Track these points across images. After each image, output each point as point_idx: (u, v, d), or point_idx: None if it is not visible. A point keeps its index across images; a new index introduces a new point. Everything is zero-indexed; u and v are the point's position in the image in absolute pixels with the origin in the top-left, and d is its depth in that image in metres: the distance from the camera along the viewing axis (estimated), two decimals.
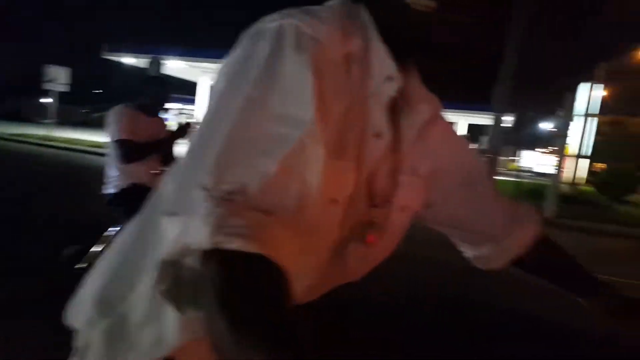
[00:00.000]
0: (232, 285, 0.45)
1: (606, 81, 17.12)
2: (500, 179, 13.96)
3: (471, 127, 25.87)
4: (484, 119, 21.15)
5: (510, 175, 19.29)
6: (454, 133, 0.86)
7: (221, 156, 0.52)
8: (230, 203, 0.48)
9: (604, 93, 17.95)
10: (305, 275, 0.64)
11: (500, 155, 15.16)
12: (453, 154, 0.84)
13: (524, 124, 29.38)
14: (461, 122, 23.87)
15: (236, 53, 0.61)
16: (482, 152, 21.01)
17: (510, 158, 28.08)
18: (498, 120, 11.90)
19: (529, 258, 0.87)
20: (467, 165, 0.86)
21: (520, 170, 22.70)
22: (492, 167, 11.82)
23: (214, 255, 0.46)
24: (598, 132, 19.91)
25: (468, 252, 0.93)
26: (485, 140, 19.72)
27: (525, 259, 0.88)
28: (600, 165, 24.04)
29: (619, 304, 0.83)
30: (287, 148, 0.53)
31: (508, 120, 20.16)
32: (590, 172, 20.16)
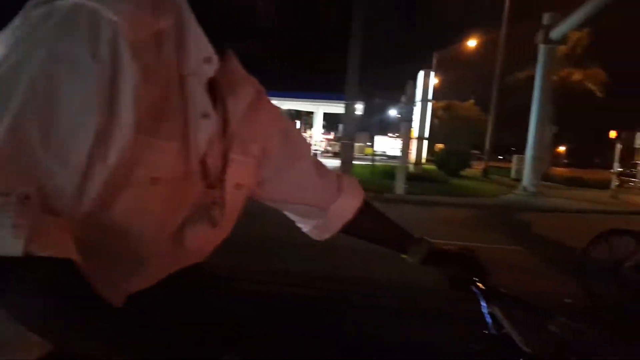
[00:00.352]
0: (41, 289, 0.50)
1: (438, 69, 19.32)
2: (357, 164, 14.80)
3: (327, 116, 27.03)
4: (339, 108, 22.26)
5: (366, 160, 20.67)
6: (278, 113, 0.90)
7: (9, 156, 0.50)
8: (27, 207, 0.49)
9: (436, 80, 20.25)
10: (137, 260, 0.67)
11: (355, 142, 16.04)
12: (279, 132, 0.88)
13: (375, 111, 31.78)
14: (319, 111, 24.77)
15: (18, 30, 0.55)
16: (339, 139, 22.17)
17: (366, 144, 30.08)
18: (350, 109, 12.51)
19: (356, 224, 0.97)
20: (292, 142, 0.90)
21: (375, 154, 24.50)
22: (349, 152, 12.45)
23: (21, 262, 0.48)
24: (435, 116, 22.46)
25: (303, 226, 1.00)
26: (341, 127, 20.73)
27: (352, 225, 0.97)
28: (440, 146, 27.18)
29: (429, 254, 0.98)
30: (86, 137, 0.53)
31: (361, 108, 21.49)
32: (431, 152, 22.66)
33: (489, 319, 0.82)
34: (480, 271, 0.94)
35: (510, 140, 26.30)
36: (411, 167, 15.44)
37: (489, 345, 0.78)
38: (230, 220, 0.79)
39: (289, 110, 27.03)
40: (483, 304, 0.85)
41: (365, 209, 0.99)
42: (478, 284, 0.89)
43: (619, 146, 18.23)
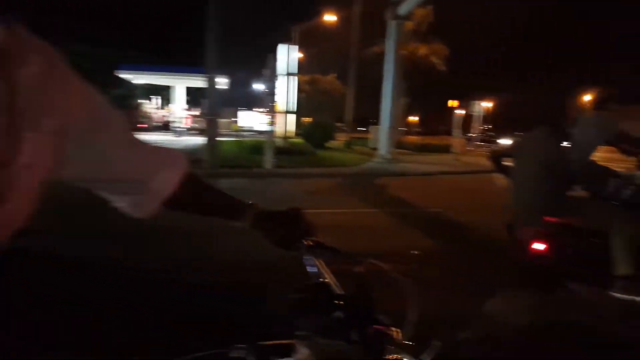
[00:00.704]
0: None
1: (301, 44, 19.58)
2: (224, 140, 14.44)
3: (190, 90, 25.61)
4: (204, 83, 21.23)
5: (235, 136, 20.29)
6: (80, 84, 0.81)
7: None
8: None
9: (300, 54, 20.55)
10: None
11: (220, 117, 15.58)
12: (81, 105, 0.79)
13: (241, 85, 31.12)
14: (178, 86, 23.30)
15: None
16: (203, 114, 21.32)
17: (232, 119, 29.42)
18: (212, 83, 12.04)
19: (181, 197, 0.93)
20: (98, 115, 0.82)
21: (242, 130, 24.15)
22: (214, 128, 12.03)
23: None
24: (300, 90, 22.80)
25: (120, 203, 0.94)
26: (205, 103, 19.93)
27: (177, 198, 0.93)
28: (307, 119, 27.83)
29: (259, 217, 0.99)
30: None
31: (225, 82, 20.84)
32: (298, 125, 23.11)
33: (313, 270, 0.90)
34: (306, 228, 0.99)
35: (369, 112, 28.05)
36: (279, 141, 15.59)
37: (309, 293, 0.83)
38: (22, 204, 0.71)
39: (145, 85, 24.99)
40: (308, 257, 0.92)
41: (190, 180, 0.96)
42: (304, 240, 0.95)
43: (458, 114, 20.68)
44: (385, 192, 9.67)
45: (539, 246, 3.17)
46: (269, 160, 11.66)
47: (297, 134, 21.06)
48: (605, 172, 4.66)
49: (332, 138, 20.67)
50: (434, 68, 28.58)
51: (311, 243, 0.94)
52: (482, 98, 25.01)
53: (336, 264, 0.91)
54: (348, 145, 21.10)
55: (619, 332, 2.78)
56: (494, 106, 40.40)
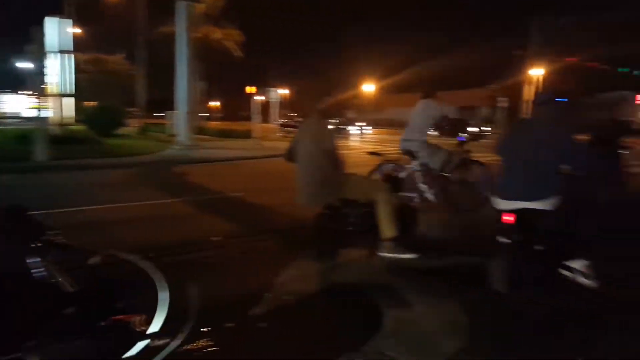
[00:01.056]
0: None
1: (78, 17, 17.17)
2: None
3: None
4: None
5: None
6: None
7: None
8: None
9: (77, 30, 18.02)
10: None
11: None
12: None
13: None
14: None
15: None
16: None
17: None
18: None
19: None
20: None
21: (5, 117, 20.06)
22: None
23: None
24: (80, 70, 20.07)
25: None
26: None
27: None
28: (91, 104, 24.70)
29: None
30: None
31: None
32: (79, 110, 20.34)
33: (40, 273, 0.84)
34: (31, 228, 0.84)
35: (166, 96, 26.58)
36: (55, 129, 13.47)
37: (34, 299, 0.76)
38: None
39: None
40: (34, 260, 0.85)
41: None
42: (30, 242, 0.88)
43: (256, 100, 21.24)
44: (185, 180, 9.32)
45: (323, 219, 3.49)
46: (41, 151, 9.98)
47: (78, 121, 18.56)
48: (436, 149, 5.80)
49: (123, 124, 18.88)
50: (229, 53, 28.57)
51: (39, 243, 0.81)
52: (278, 85, 26.20)
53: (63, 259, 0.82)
54: (143, 131, 19.61)
55: (383, 284, 3.29)
56: (290, 93, 42.84)
